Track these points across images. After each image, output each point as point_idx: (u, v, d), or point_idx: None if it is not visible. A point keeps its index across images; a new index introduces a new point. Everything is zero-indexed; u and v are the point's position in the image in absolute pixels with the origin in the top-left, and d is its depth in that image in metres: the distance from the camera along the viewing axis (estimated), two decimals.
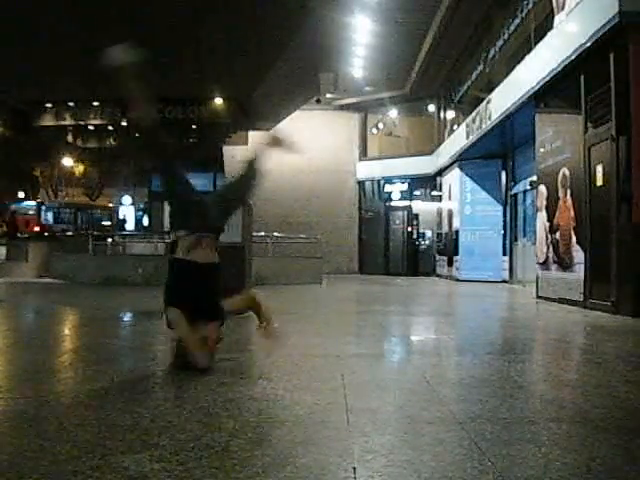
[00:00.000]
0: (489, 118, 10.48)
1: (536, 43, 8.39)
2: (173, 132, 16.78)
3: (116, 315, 6.33)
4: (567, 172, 7.51)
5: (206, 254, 3.19)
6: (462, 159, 13.43)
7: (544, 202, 8.30)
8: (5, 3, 10.43)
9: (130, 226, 27.90)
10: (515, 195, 12.56)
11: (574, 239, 7.28)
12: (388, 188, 17.87)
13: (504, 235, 13.07)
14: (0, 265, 15.21)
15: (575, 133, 7.23)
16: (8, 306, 7.39)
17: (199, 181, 21.23)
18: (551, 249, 8.03)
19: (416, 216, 16.98)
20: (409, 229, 17.01)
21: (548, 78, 7.67)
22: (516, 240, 12.48)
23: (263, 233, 12.30)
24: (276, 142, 3.60)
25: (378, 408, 2.39)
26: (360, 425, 2.14)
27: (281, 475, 1.66)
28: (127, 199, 29.74)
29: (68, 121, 17.33)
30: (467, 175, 13.59)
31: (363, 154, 18.68)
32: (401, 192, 17.57)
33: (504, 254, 12.96)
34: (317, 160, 18.33)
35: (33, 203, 25.29)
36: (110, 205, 30.19)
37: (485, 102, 10.82)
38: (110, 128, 18.51)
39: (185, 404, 2.41)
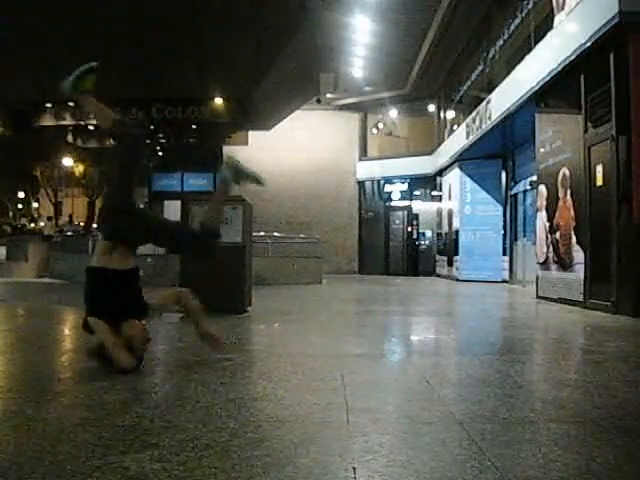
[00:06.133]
0: (489, 118, 10.48)
1: (536, 43, 8.39)
2: (173, 132, 16.76)
3: None
4: (567, 172, 7.51)
5: (113, 259, 3.15)
6: (462, 159, 13.43)
7: (544, 202, 8.30)
8: (5, 3, 10.43)
9: None
10: (515, 195, 12.56)
11: (574, 239, 7.28)
12: (388, 188, 17.87)
13: (504, 235, 13.07)
14: (0, 265, 15.21)
15: (575, 133, 7.23)
16: (8, 306, 7.38)
17: (199, 181, 21.25)
18: (551, 249, 8.03)
19: (416, 216, 16.98)
20: (409, 229, 17.01)
21: (548, 78, 7.67)
22: (516, 240, 12.48)
23: (263, 233, 12.29)
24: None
25: (378, 408, 2.39)
26: (360, 425, 2.14)
27: (281, 475, 1.66)
28: None
29: (68, 121, 17.31)
30: (467, 175, 13.59)
31: (363, 154, 18.68)
32: (401, 192, 17.57)
33: (504, 254, 12.96)
34: (317, 160, 18.34)
35: None
36: None
37: (485, 102, 10.82)
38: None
39: (185, 404, 2.41)
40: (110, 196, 3.46)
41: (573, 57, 6.89)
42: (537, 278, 8.58)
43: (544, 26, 8.43)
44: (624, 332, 5.08)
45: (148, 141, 17.48)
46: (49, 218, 24.22)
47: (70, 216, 26.10)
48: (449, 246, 14.67)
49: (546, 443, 1.96)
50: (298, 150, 18.23)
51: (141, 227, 3.33)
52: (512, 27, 10.63)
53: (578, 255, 7.15)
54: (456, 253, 13.92)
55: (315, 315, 6.39)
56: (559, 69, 7.30)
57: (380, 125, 18.40)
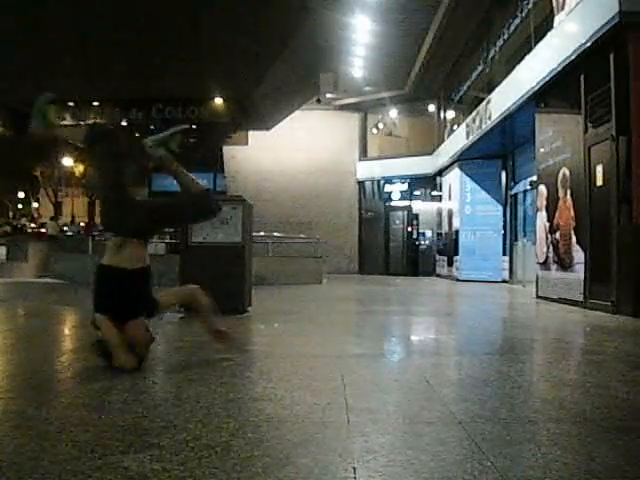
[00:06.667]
0: (489, 118, 10.48)
1: (536, 43, 8.39)
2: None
3: None
4: (567, 172, 7.51)
5: (124, 258, 3.16)
6: (462, 159, 13.43)
7: (544, 202, 8.30)
8: (5, 3, 10.42)
9: None
10: (515, 195, 12.56)
11: (574, 239, 7.28)
12: (388, 188, 17.87)
13: (504, 235, 13.07)
14: (0, 265, 15.20)
15: (575, 133, 7.23)
16: (8, 306, 7.38)
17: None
18: (551, 249, 8.03)
19: (416, 216, 16.97)
20: (409, 229, 17.00)
21: (548, 78, 7.67)
22: (516, 240, 12.48)
23: (263, 233, 12.29)
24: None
25: (378, 408, 2.39)
26: (360, 425, 2.14)
27: (281, 475, 1.66)
28: None
29: (68, 121, 17.32)
30: (467, 175, 13.59)
31: (363, 154, 18.68)
32: (401, 192, 17.56)
33: (504, 254, 12.96)
34: (317, 160, 18.33)
35: None
36: None
37: (485, 102, 10.82)
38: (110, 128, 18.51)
39: (185, 404, 2.41)
40: (105, 189, 3.40)
41: (573, 57, 6.89)
42: (537, 278, 8.58)
43: (544, 26, 8.43)
44: (624, 332, 5.08)
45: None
46: (52, 218, 24.28)
47: (73, 217, 26.16)
48: (449, 246, 14.67)
49: (546, 443, 1.96)
50: (298, 150, 18.22)
51: (143, 212, 3.29)
52: (512, 27, 10.63)
53: (578, 255, 7.15)
54: (456, 253, 13.92)
55: (315, 315, 6.39)
56: (559, 69, 7.30)
57: (380, 125, 18.39)
